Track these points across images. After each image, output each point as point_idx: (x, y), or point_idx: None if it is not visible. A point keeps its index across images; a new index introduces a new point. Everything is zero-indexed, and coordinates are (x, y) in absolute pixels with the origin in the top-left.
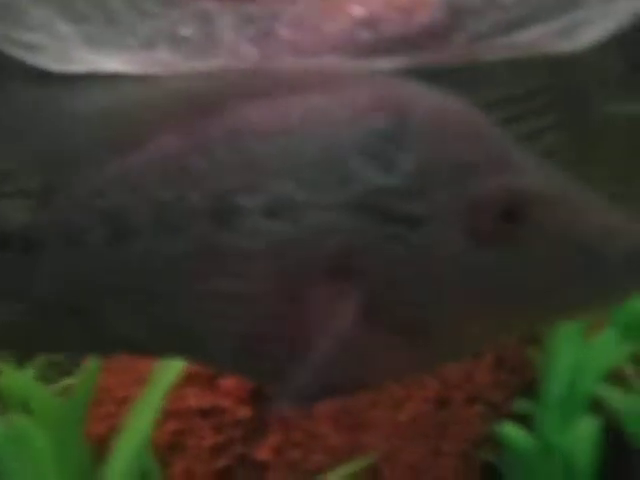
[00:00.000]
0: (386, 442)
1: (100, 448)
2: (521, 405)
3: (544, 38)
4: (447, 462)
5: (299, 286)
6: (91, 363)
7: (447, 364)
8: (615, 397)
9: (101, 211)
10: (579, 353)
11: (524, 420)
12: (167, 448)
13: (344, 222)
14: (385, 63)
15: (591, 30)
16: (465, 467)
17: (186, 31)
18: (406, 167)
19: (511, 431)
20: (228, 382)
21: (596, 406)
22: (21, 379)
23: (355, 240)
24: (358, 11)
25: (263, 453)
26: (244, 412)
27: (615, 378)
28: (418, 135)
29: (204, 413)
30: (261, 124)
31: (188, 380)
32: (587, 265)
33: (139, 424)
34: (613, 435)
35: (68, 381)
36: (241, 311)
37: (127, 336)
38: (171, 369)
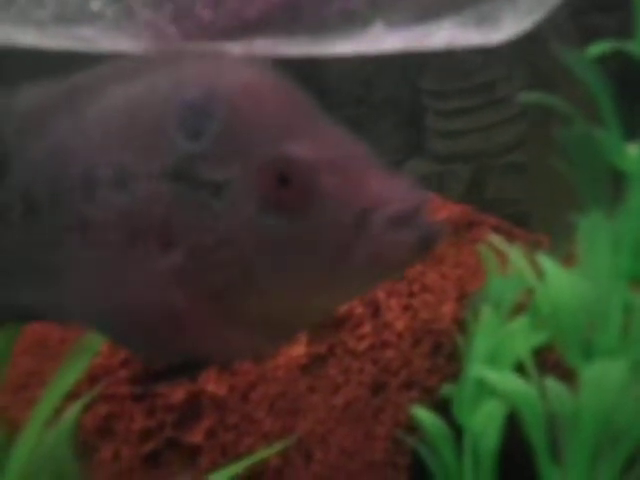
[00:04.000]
0: (320, 426)
1: None
2: (446, 390)
3: (459, 30)
4: (379, 446)
5: (138, 258)
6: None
7: (274, 344)
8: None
9: (18, 191)
10: (495, 339)
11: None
12: (97, 432)
13: (165, 191)
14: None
15: (510, 22)
16: (396, 451)
17: (97, 5)
18: (210, 135)
19: (423, 414)
20: None
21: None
22: None
23: (175, 209)
24: None
25: (196, 436)
26: (178, 396)
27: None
28: (224, 106)
29: (137, 396)
30: (114, 103)
31: (123, 364)
32: (356, 233)
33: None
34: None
35: None
36: (102, 281)
37: (29, 306)
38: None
